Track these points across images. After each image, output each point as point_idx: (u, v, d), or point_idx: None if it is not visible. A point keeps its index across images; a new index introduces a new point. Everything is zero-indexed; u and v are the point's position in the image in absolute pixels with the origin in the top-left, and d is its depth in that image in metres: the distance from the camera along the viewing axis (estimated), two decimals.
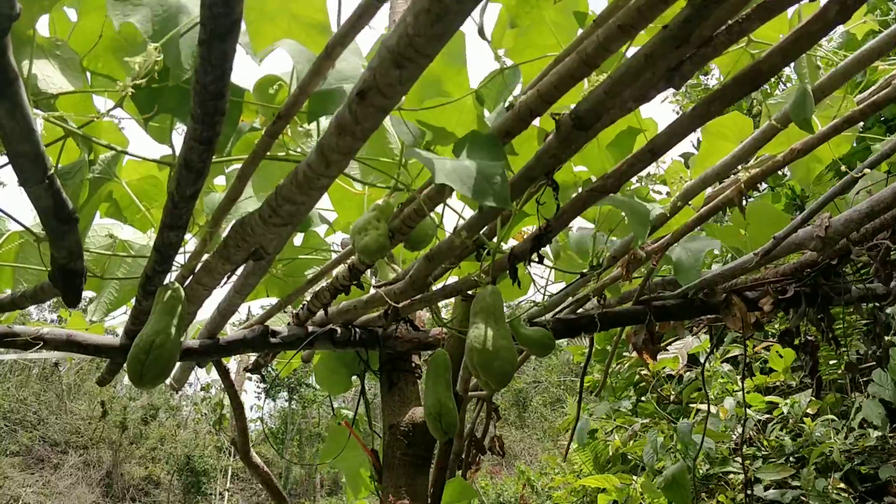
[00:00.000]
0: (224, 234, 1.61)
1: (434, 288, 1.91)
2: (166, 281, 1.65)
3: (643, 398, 5.79)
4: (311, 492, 39.50)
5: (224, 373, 2.29)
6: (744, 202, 1.71)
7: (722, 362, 4.44)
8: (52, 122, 1.29)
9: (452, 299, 2.30)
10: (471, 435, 2.60)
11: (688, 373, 4.88)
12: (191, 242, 1.75)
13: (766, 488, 3.66)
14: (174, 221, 1.44)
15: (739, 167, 1.69)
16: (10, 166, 1.15)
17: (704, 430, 2.87)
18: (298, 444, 38.93)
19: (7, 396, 39.11)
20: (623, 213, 1.58)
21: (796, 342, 2.38)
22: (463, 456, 2.58)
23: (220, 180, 1.93)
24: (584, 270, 1.77)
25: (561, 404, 28.54)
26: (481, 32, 1.35)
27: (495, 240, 1.67)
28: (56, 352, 1.92)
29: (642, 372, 5.04)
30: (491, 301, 1.58)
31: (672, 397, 4.91)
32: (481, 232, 1.61)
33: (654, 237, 1.88)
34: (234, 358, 2.70)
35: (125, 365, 1.56)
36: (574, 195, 1.44)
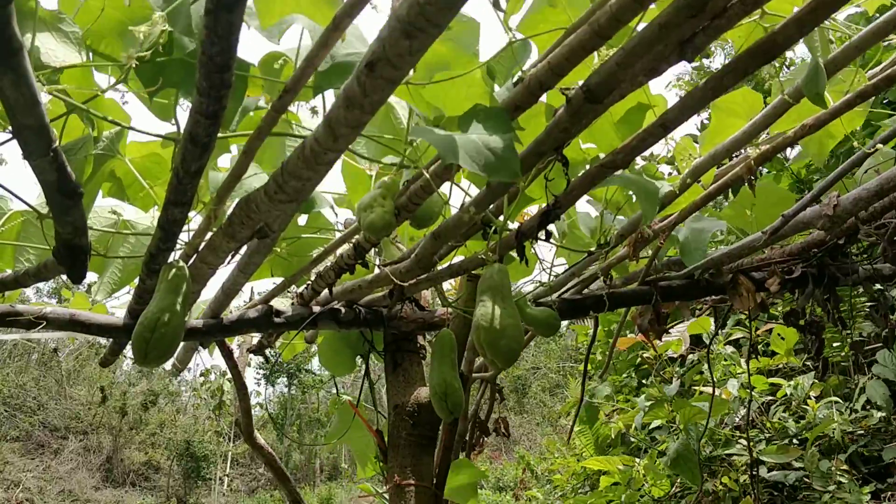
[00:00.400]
0: (229, 212, 1.59)
1: (440, 267, 1.89)
2: (170, 259, 1.64)
3: (644, 381, 5.77)
4: (311, 477, 39.71)
5: (227, 353, 2.28)
6: (754, 179, 1.70)
7: (725, 345, 4.43)
8: (56, 96, 1.27)
9: (456, 280, 2.29)
10: (474, 417, 2.60)
11: (690, 355, 4.88)
12: (195, 220, 1.74)
13: (770, 469, 3.67)
14: (179, 198, 1.42)
15: (748, 145, 1.67)
16: (12, 141, 1.14)
17: (710, 411, 2.86)
18: (298, 429, 39.09)
19: (6, 382, 39.20)
20: (631, 192, 1.57)
21: (801, 322, 2.37)
22: (466, 437, 2.57)
23: (224, 161, 1.91)
24: (592, 249, 1.76)
25: (560, 390, 28.66)
26: (496, 3, 1.33)
27: (502, 218, 1.66)
28: (59, 332, 1.90)
29: (644, 355, 5.03)
30: (498, 279, 1.57)
31: (674, 380, 4.89)
32: (489, 209, 1.60)
33: (662, 215, 1.86)
34: (236, 340, 2.69)
35: (129, 344, 1.55)
36: (583, 171, 1.43)
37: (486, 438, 2.64)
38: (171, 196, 1.42)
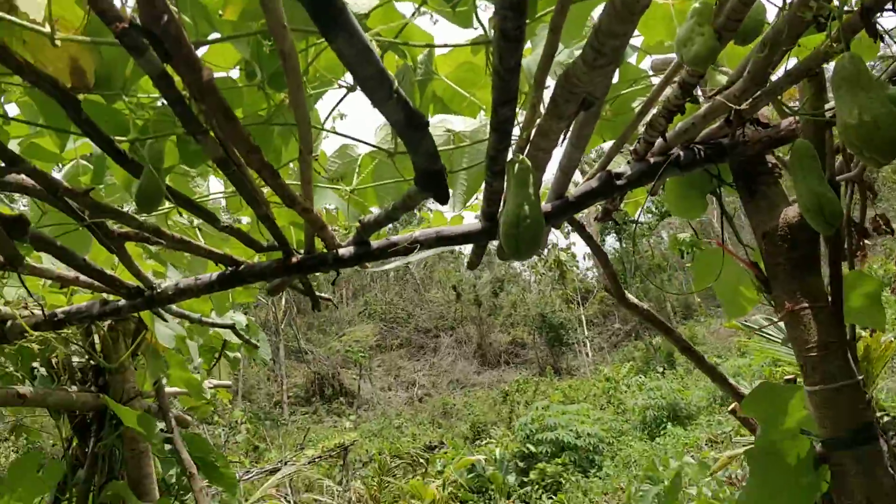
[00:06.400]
0: (549, 94, 1.60)
1: (773, 78, 1.74)
2: (509, 157, 1.70)
3: None
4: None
5: (580, 227, 2.34)
6: None
7: None
8: (374, 40, 1.35)
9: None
10: (848, 221, 2.40)
11: None
12: (520, 114, 1.78)
13: None
14: (504, 96, 1.45)
15: None
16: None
17: None
18: (640, 279, 39.52)
19: (377, 302, 44.46)
20: None
21: None
22: (845, 245, 2.39)
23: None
24: None
25: None
26: None
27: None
28: (430, 250, 2.08)
29: None
30: (852, 68, 1.40)
31: None
32: None
33: None
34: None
35: (501, 243, 1.65)
36: None
37: (866, 242, 2.43)
38: (497, 97, 1.46)
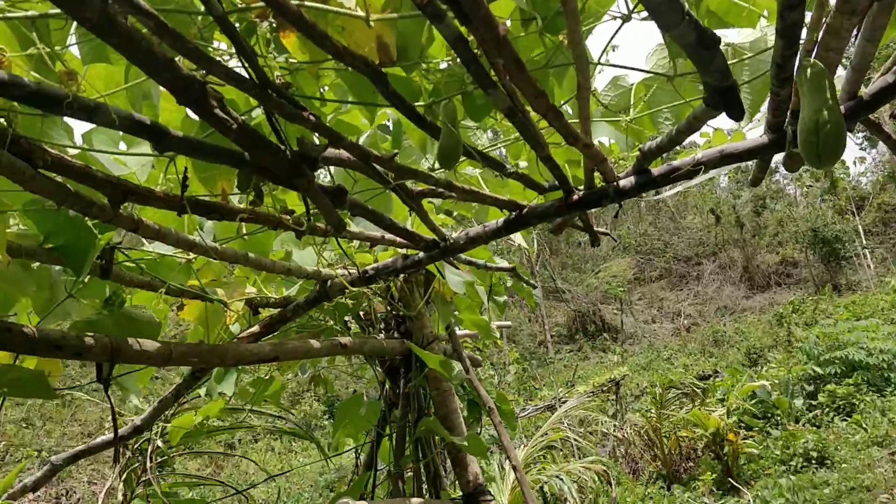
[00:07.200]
0: None
1: None
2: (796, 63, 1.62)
3: None
4: None
5: (877, 127, 2.16)
6: None
7: None
8: None
9: None
10: None
11: None
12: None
13: None
14: (792, 1, 1.39)
15: None
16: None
17: None
18: None
19: (630, 235, 43.72)
20: None
21: None
22: None
23: None
24: None
25: None
26: None
27: None
28: (714, 170, 2.04)
29: None
30: None
31: None
32: None
33: None
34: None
35: (801, 152, 1.59)
36: None
37: None
38: (783, 1, 1.40)
